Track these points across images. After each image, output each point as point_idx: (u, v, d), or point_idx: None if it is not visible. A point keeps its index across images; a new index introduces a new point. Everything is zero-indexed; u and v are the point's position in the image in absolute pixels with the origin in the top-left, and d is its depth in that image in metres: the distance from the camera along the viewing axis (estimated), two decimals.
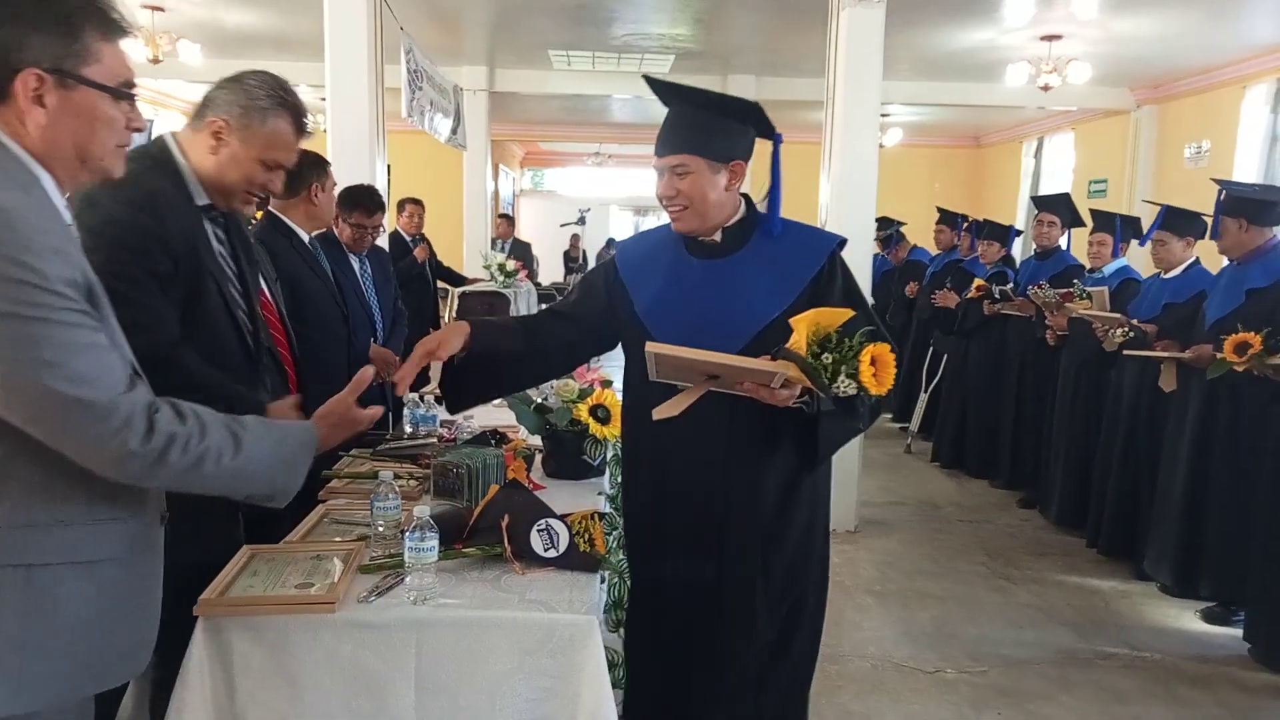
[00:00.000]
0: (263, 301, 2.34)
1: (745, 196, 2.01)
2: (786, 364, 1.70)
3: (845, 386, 1.71)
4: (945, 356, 6.32)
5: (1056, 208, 5.40)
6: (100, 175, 1.38)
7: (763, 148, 2.02)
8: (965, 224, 6.84)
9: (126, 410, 1.24)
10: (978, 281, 5.62)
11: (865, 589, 4.01)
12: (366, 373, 1.77)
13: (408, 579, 1.76)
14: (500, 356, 2.07)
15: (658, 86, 1.97)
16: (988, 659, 3.36)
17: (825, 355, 1.71)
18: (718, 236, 1.98)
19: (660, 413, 1.82)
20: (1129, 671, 3.29)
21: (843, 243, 2.02)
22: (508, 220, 10.62)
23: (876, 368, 1.73)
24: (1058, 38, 6.97)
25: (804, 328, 1.71)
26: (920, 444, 6.67)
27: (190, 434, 1.32)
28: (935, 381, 6.50)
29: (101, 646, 1.33)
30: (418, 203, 6.25)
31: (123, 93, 1.32)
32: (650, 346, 1.74)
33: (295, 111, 1.93)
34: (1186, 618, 3.77)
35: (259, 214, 2.86)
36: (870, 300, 2.37)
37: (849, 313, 1.77)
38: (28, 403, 1.19)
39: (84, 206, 1.65)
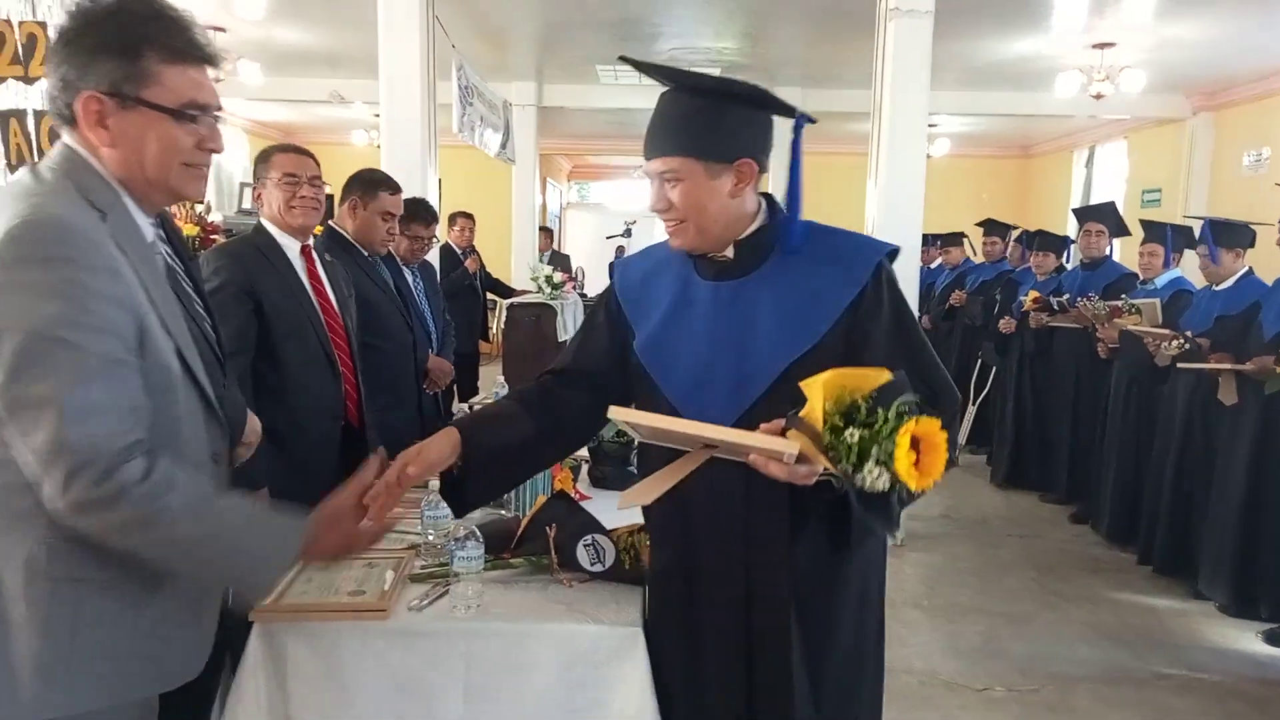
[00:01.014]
0: (324, 307, 2.45)
1: (768, 198, 1.59)
2: (797, 436, 1.29)
3: (874, 479, 1.25)
4: (994, 369, 6.24)
5: (1102, 217, 5.31)
6: (173, 196, 1.40)
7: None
8: (1016, 234, 6.74)
9: (91, 456, 1.17)
10: (1033, 294, 5.51)
11: (912, 603, 3.97)
12: (369, 468, 1.53)
13: (455, 588, 1.79)
14: (505, 451, 1.68)
15: (639, 66, 1.59)
16: (1038, 677, 3.30)
17: (850, 430, 1.27)
18: (729, 252, 1.56)
19: (627, 500, 1.44)
20: (1184, 692, 3.21)
21: (894, 253, 1.57)
22: (547, 234, 10.67)
23: (920, 453, 1.26)
24: (1110, 45, 6.85)
25: (820, 392, 1.28)
26: (967, 457, 6.58)
27: (153, 489, 1.21)
28: (984, 393, 6.43)
29: (151, 653, 1.35)
30: (469, 216, 6.38)
31: (185, 114, 1.32)
32: (614, 413, 1.38)
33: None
34: (1246, 639, 3.67)
35: (319, 229, 2.94)
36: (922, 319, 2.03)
37: (884, 374, 1.31)
38: (11, 407, 1.18)
39: None
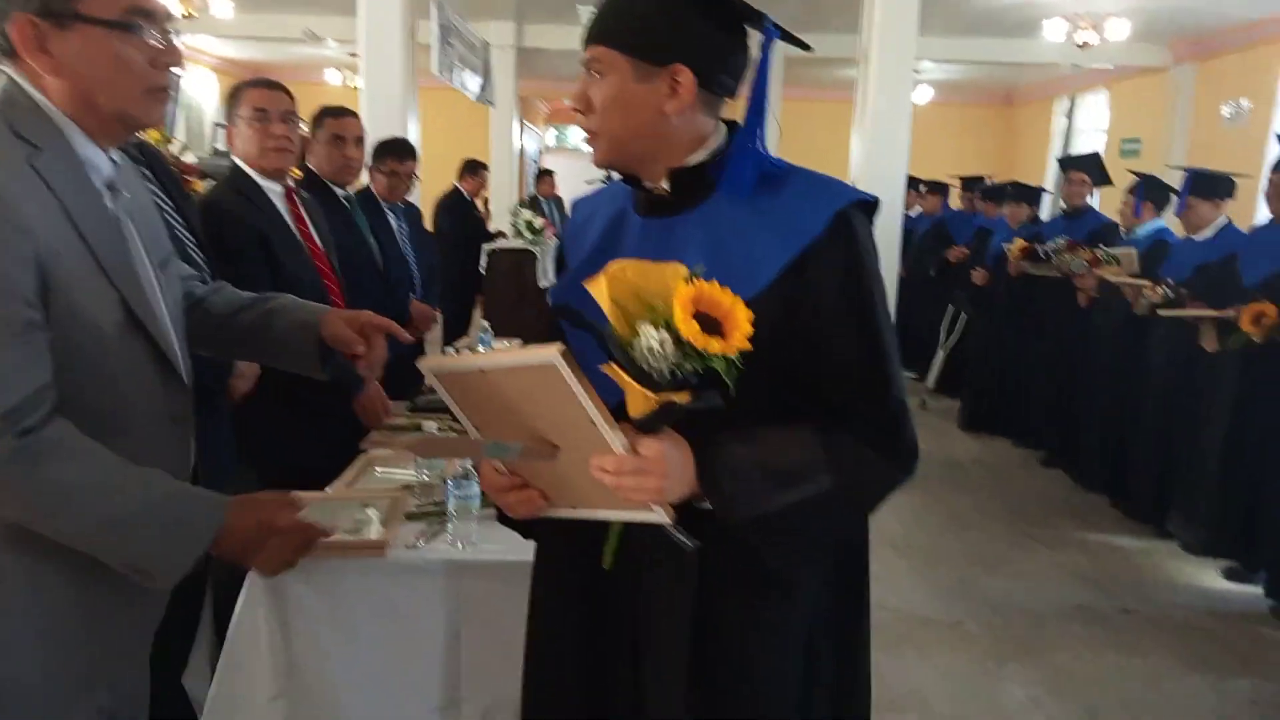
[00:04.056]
0: (314, 251, 2.41)
1: (732, 128, 1.28)
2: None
3: (655, 344, 1.01)
4: (963, 315, 6.33)
5: (1086, 167, 5.34)
6: (132, 125, 1.27)
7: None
8: (983, 185, 6.78)
9: None
10: (1020, 241, 5.51)
11: (889, 544, 4.07)
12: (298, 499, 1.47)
13: (451, 525, 1.83)
14: None
15: None
16: (1009, 613, 3.42)
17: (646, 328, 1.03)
18: (665, 185, 1.27)
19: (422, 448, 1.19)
20: (1149, 626, 3.34)
21: (866, 204, 1.22)
22: (550, 177, 10.16)
23: (716, 320, 1.03)
24: None
25: (609, 288, 1.05)
26: (937, 402, 6.69)
27: (26, 458, 1.11)
28: (953, 339, 6.52)
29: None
30: (485, 167, 6.64)
31: (129, 24, 1.18)
32: (425, 362, 1.16)
33: None
34: (1208, 576, 3.81)
35: (297, 171, 2.89)
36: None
37: (679, 270, 1.05)
38: None
39: None
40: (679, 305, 1.01)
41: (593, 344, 1.06)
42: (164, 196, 1.96)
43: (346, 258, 2.83)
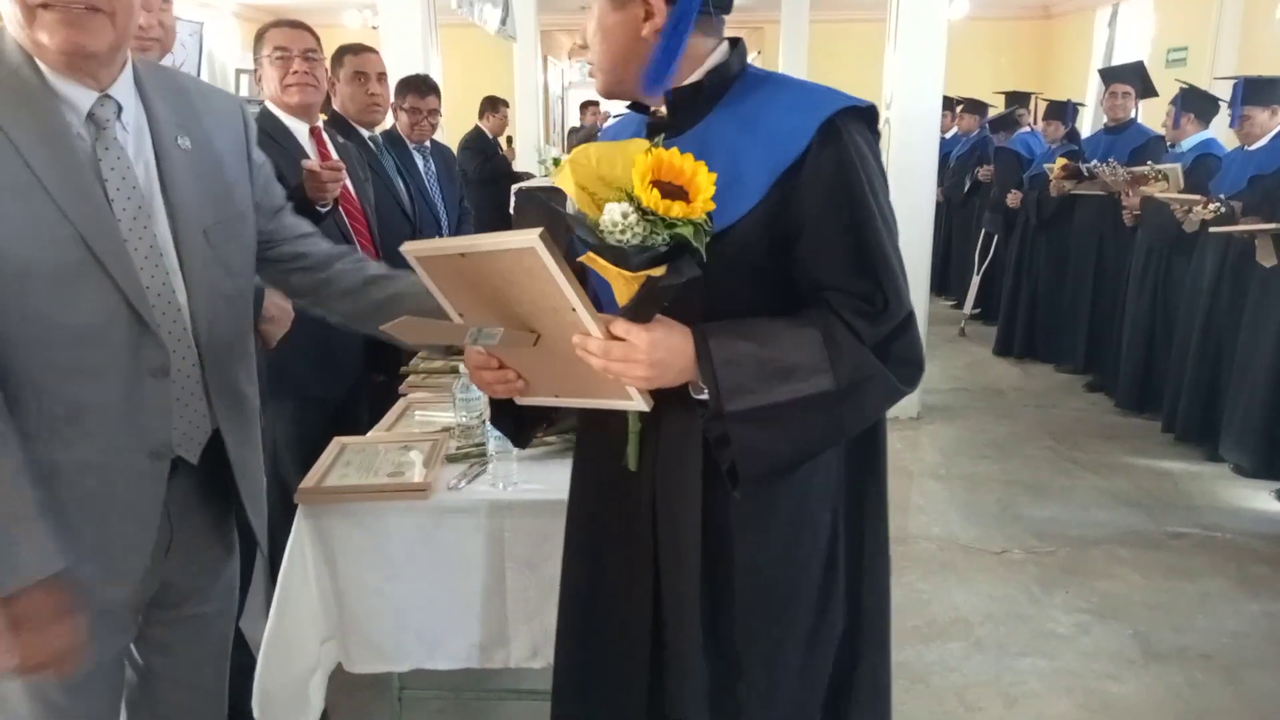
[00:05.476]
0: (345, 196, 2.41)
1: (734, 44, 1.26)
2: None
3: (620, 220, 1.01)
4: (995, 237, 6.21)
5: (1128, 78, 5.12)
6: (56, 49, 1.16)
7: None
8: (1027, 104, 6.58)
9: None
10: (1061, 160, 5.34)
11: (930, 474, 4.04)
12: None
13: (491, 466, 1.83)
14: None
15: None
16: (1055, 540, 3.38)
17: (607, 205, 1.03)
18: (663, 107, 1.27)
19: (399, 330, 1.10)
20: (1199, 550, 3.30)
21: (863, 111, 1.18)
22: (595, 106, 9.54)
23: (673, 179, 1.03)
24: None
25: (572, 173, 1.07)
26: (977, 328, 6.58)
27: None
28: (987, 263, 6.40)
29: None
30: (505, 103, 6.47)
31: None
32: (407, 246, 1.17)
33: None
34: (1262, 498, 3.74)
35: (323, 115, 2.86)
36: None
37: (640, 145, 1.07)
38: None
39: None
40: (637, 176, 1.01)
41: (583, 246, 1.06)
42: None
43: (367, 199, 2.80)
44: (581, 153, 1.06)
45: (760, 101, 1.20)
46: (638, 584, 1.30)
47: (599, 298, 1.12)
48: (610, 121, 1.60)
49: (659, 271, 1.02)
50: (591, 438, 1.37)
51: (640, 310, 1.06)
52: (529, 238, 1.00)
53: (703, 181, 1.03)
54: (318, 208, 2.17)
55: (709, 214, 1.06)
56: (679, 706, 1.28)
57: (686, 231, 1.02)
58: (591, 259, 1.04)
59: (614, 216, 1.01)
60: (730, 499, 1.18)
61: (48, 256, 1.14)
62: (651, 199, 1.00)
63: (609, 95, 1.29)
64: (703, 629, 1.25)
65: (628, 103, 1.30)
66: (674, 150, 1.03)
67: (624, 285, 1.05)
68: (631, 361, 1.07)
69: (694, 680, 1.26)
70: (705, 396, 1.12)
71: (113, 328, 1.19)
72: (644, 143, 1.06)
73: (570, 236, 1.07)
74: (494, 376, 1.24)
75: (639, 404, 1.12)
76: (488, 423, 1.84)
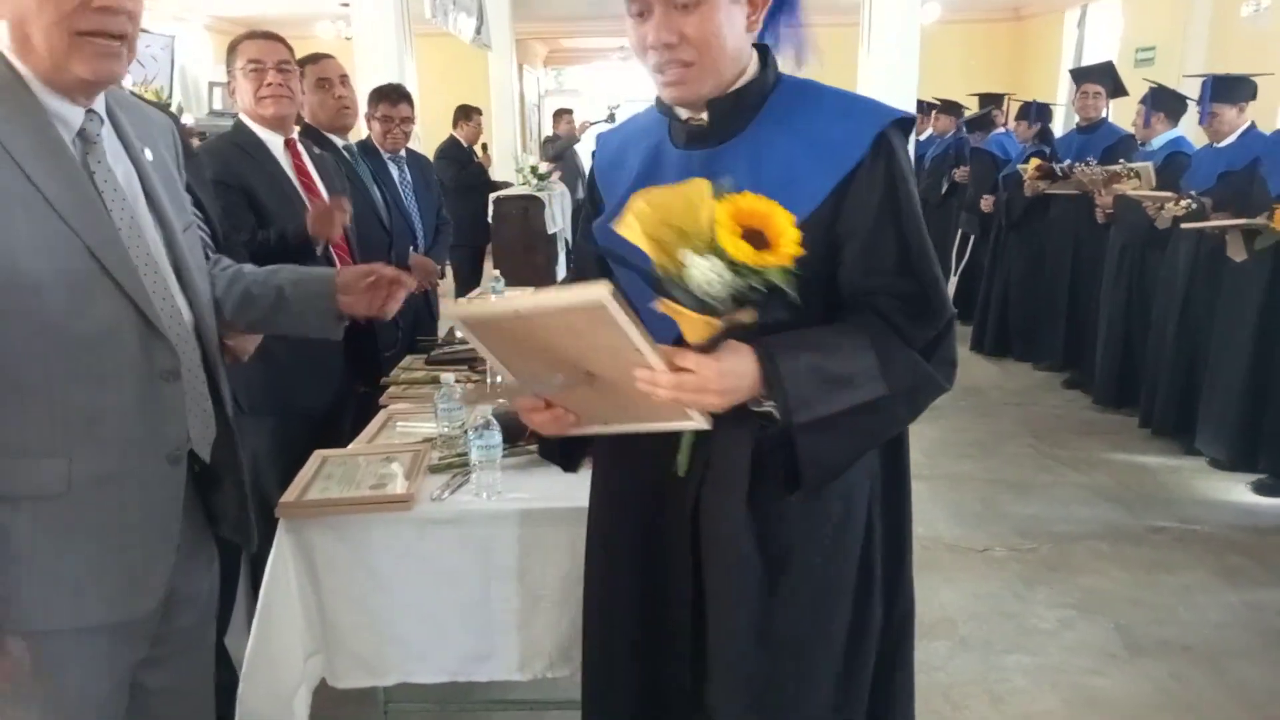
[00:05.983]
0: (315, 202, 2.41)
1: (763, 49, 1.26)
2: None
3: (705, 273, 0.99)
4: (972, 237, 6.27)
5: (1099, 77, 5.19)
6: (74, 78, 1.17)
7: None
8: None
9: None
10: (1035, 160, 5.40)
11: (914, 474, 4.03)
12: None
13: (474, 476, 1.82)
14: None
15: None
16: (1037, 537, 3.40)
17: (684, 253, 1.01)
18: (703, 114, 1.24)
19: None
20: (1179, 544, 3.33)
21: (905, 122, 1.23)
22: (568, 115, 8.66)
23: (752, 225, 1.01)
24: None
25: (641, 226, 1.02)
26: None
27: None
28: (964, 263, 6.46)
29: (52, 581, 1.20)
30: (478, 111, 6.42)
31: None
32: (451, 309, 1.15)
33: None
34: (1238, 490, 3.78)
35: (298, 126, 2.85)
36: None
37: (702, 186, 1.03)
38: None
39: None
40: (722, 228, 0.99)
41: (635, 278, 1.10)
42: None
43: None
44: (642, 204, 1.03)
45: (806, 109, 1.23)
46: (679, 581, 1.32)
47: (640, 315, 1.07)
48: (600, 127, 1.60)
49: (747, 315, 1.04)
50: (619, 447, 1.34)
51: (713, 345, 1.08)
52: (598, 294, 0.98)
53: (782, 222, 1.02)
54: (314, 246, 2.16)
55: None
56: (719, 696, 1.31)
57: (778, 278, 1.01)
58: (670, 307, 1.04)
59: (706, 275, 0.99)
60: (777, 498, 1.22)
61: (59, 268, 1.15)
62: (743, 252, 0.99)
63: (690, 104, 1.24)
64: (753, 624, 1.27)
65: (622, 106, 1.33)
66: (745, 194, 1.02)
67: (703, 327, 1.04)
68: (704, 392, 1.08)
69: (738, 670, 1.28)
70: (765, 409, 1.15)
71: (124, 333, 1.21)
72: (703, 183, 1.03)
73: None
74: (545, 419, 1.22)
75: (699, 423, 1.13)
76: (469, 432, 1.85)
